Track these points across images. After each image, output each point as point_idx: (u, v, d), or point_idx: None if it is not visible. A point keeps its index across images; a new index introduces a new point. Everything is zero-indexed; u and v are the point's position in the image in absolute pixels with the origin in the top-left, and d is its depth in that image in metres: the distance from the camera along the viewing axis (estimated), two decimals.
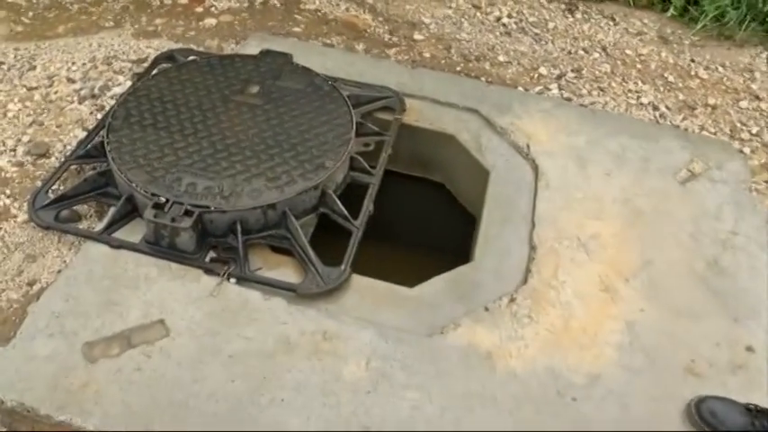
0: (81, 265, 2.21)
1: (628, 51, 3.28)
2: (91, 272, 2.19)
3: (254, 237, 2.31)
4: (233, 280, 2.20)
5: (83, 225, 2.37)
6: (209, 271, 2.21)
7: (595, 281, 2.33)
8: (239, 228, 2.24)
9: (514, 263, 2.38)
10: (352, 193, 2.56)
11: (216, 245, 2.28)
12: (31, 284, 2.20)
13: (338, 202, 2.37)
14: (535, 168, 2.72)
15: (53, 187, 2.46)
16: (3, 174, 2.53)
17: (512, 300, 2.25)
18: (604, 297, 2.29)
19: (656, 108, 3.01)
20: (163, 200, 2.23)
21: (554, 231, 2.48)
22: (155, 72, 2.89)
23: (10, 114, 2.75)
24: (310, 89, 2.73)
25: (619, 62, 3.22)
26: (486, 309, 2.21)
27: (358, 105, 2.81)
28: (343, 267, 2.23)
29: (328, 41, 3.32)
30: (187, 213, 2.20)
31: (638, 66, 3.21)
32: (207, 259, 2.25)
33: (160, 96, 2.62)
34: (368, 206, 2.43)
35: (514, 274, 2.34)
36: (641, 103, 3.02)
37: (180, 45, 3.20)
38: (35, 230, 2.34)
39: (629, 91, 3.08)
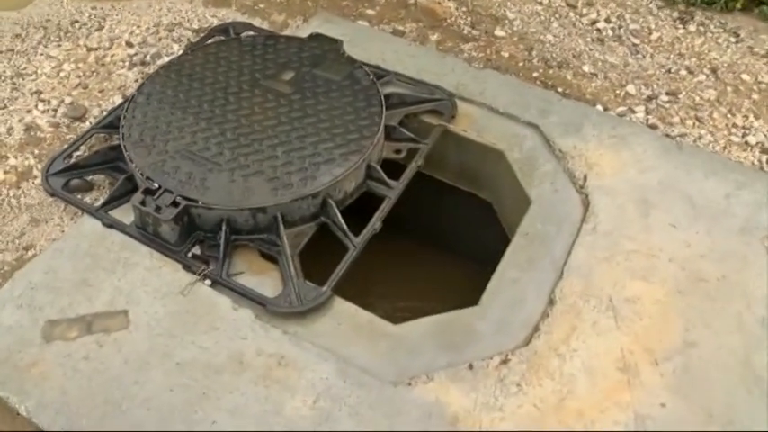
0: (71, 239, 2.23)
1: (745, 77, 2.73)
2: (77, 247, 2.20)
3: (242, 238, 2.19)
4: (208, 281, 2.11)
5: (92, 197, 2.39)
6: (187, 267, 2.14)
7: (615, 355, 1.97)
8: (224, 227, 2.13)
9: (524, 316, 2.07)
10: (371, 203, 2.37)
11: (203, 239, 2.20)
12: (27, 249, 2.25)
13: (338, 214, 2.19)
14: (586, 206, 2.36)
15: (76, 153, 2.51)
16: (39, 133, 2.61)
17: (504, 361, 1.96)
18: (619, 378, 1.93)
19: (765, 151, 2.48)
20: (155, 186, 2.17)
21: (583, 286, 2.13)
22: (199, 46, 2.84)
23: (62, 74, 2.84)
24: (347, 82, 2.54)
25: (729, 88, 2.69)
26: (471, 366, 1.94)
27: (400, 105, 2.59)
28: (324, 288, 2.06)
29: (401, 28, 3.09)
30: (174, 204, 2.12)
31: (755, 96, 2.66)
32: (190, 254, 2.18)
33: (191, 73, 2.56)
34: (374, 223, 2.22)
35: (518, 331, 2.04)
36: (746, 143, 2.51)
37: (245, 17, 3.14)
38: (46, 195, 2.40)
39: (735, 126, 2.57)
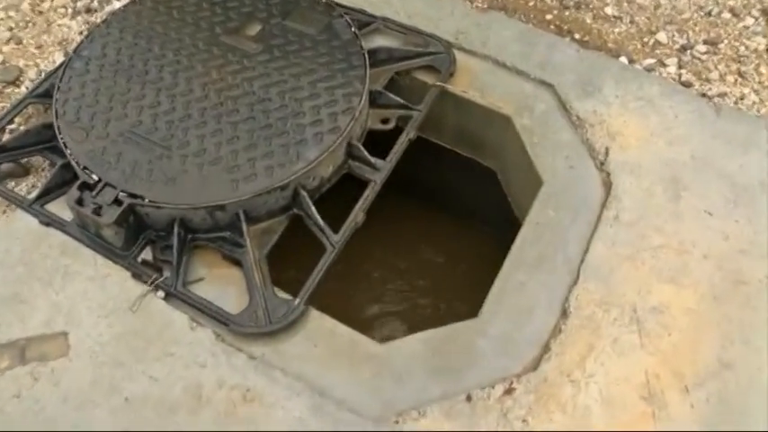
0: (0, 242, 1.85)
1: None
2: (8, 252, 1.82)
3: (201, 237, 1.81)
4: (161, 293, 1.75)
5: (28, 184, 1.98)
6: (137, 275, 1.77)
7: (638, 381, 1.63)
8: (177, 228, 1.74)
9: (532, 332, 1.71)
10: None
11: (155, 239, 1.82)
12: None
13: (312, 207, 1.79)
14: (607, 187, 1.94)
15: (10, 126, 2.08)
16: None
17: (508, 390, 1.62)
18: (643, 410, 1.60)
19: None
20: (94, 178, 1.76)
21: (603, 291, 1.75)
22: None
23: None
24: (324, 36, 2.06)
25: None
26: (469, 398, 1.61)
27: (388, 62, 2.12)
28: (296, 302, 1.70)
29: None
30: (117, 202, 1.73)
31: None
32: (140, 258, 1.80)
33: (137, 28, 2.07)
34: (356, 216, 1.82)
35: (525, 350, 1.69)
36: None
37: None
38: None
39: None
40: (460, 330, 1.73)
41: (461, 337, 1.71)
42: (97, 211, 1.70)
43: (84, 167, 1.78)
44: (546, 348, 1.68)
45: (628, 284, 1.77)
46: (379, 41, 2.17)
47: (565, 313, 1.73)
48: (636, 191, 1.93)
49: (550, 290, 1.77)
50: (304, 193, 1.77)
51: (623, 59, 2.21)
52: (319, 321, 1.73)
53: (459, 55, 2.22)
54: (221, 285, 1.79)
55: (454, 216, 2.83)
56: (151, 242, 1.82)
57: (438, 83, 2.11)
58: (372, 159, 1.88)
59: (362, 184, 1.91)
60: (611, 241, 1.84)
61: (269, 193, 1.74)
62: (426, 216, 2.87)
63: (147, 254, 1.82)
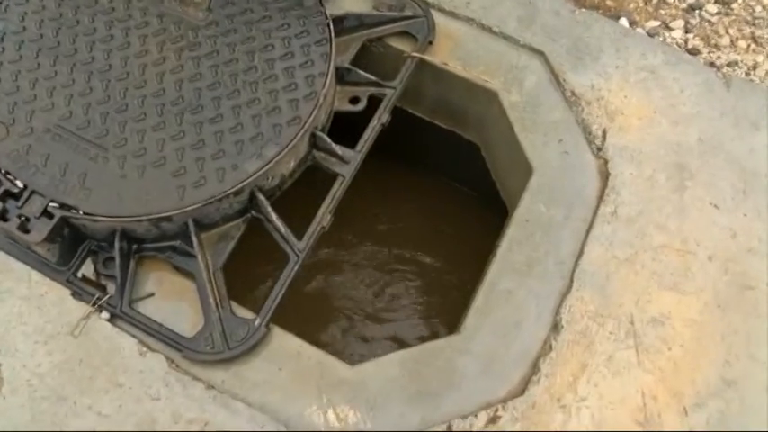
0: None
1: None
2: None
3: (147, 248, 1.58)
4: (106, 313, 1.54)
5: None
6: (77, 294, 1.55)
7: (634, 404, 1.48)
8: (119, 242, 1.51)
9: (519, 349, 1.54)
10: None
11: (96, 250, 1.58)
12: None
13: (271, 212, 1.55)
14: (605, 177, 1.72)
15: None
16: None
17: (493, 418, 1.46)
18: None
19: None
20: (19, 186, 1.51)
21: (599, 301, 1.57)
22: None
23: None
24: (283, 4, 1.74)
25: None
26: (449, 427, 1.45)
27: (358, 28, 1.82)
28: (257, 322, 1.50)
29: None
30: (47, 214, 1.48)
31: None
32: (81, 272, 1.57)
33: None
34: (322, 219, 1.60)
35: (512, 370, 1.51)
36: None
37: None
38: None
39: None
40: (440, 348, 1.55)
41: (441, 356, 1.54)
42: (24, 225, 1.46)
43: (6, 172, 1.51)
44: (535, 368, 1.51)
45: (625, 292, 1.58)
46: (348, 5, 1.86)
47: (556, 327, 1.55)
48: (636, 181, 1.71)
49: (541, 299, 1.59)
50: (262, 198, 1.53)
51: (623, 21, 1.92)
52: (283, 342, 1.54)
53: (439, 18, 1.92)
54: (174, 301, 1.58)
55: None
56: (92, 253, 1.59)
57: (414, 53, 1.82)
58: (339, 150, 1.63)
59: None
60: (608, 242, 1.64)
61: (220, 201, 1.50)
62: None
63: (89, 266, 1.61)
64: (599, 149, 1.76)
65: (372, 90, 1.77)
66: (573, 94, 1.83)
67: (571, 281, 1.60)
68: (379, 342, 2.39)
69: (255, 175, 1.51)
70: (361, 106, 1.75)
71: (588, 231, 1.66)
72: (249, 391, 1.49)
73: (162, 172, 1.52)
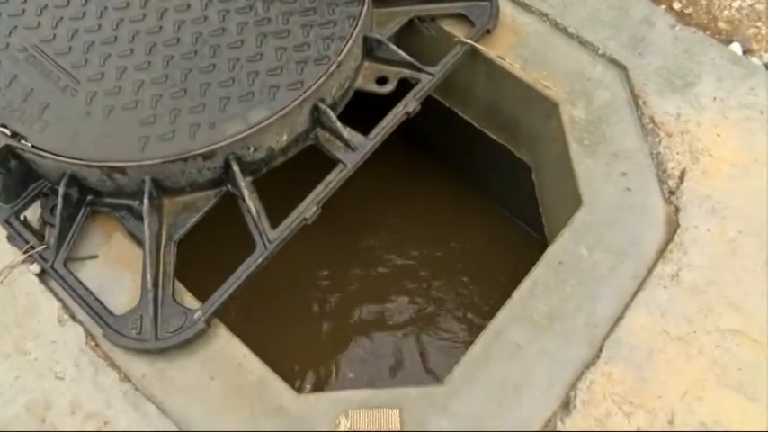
0: None
1: None
2: None
3: (103, 202, 1.32)
4: (36, 266, 1.29)
5: None
6: (12, 238, 1.31)
7: None
8: (67, 187, 1.25)
9: (513, 424, 1.15)
10: None
11: (48, 193, 1.34)
12: None
13: (245, 188, 1.25)
14: (673, 228, 1.32)
15: None
16: None
17: None
18: None
19: None
20: None
21: (631, 383, 1.17)
22: None
23: None
24: None
25: None
26: None
27: (406, 1, 1.52)
28: (197, 315, 1.20)
29: None
30: None
31: None
32: (24, 215, 1.34)
33: None
34: (305, 210, 1.28)
35: None
36: None
37: None
38: None
39: None
40: (413, 399, 1.20)
41: (411, 409, 1.18)
42: None
43: None
44: None
45: (670, 380, 1.17)
46: None
47: (567, 406, 1.16)
48: (713, 241, 1.29)
49: (556, 365, 1.20)
50: (236, 169, 1.24)
51: (735, 47, 1.52)
52: (225, 346, 1.23)
53: (506, 6, 1.58)
54: (117, 270, 1.31)
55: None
56: (44, 195, 1.35)
57: (465, 39, 1.50)
58: (346, 133, 1.32)
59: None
60: (659, 310, 1.24)
61: (185, 161, 1.22)
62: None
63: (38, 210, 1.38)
64: (671, 193, 1.36)
65: (406, 72, 1.45)
66: (652, 121, 1.44)
67: (600, 349, 1.21)
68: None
69: (233, 139, 1.22)
70: (388, 88, 1.43)
71: (636, 292, 1.26)
72: (169, 395, 1.19)
73: (130, 116, 1.26)
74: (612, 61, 1.52)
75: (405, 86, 1.47)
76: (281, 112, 1.25)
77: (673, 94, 1.47)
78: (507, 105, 1.61)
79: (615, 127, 1.44)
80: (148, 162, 1.21)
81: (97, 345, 1.23)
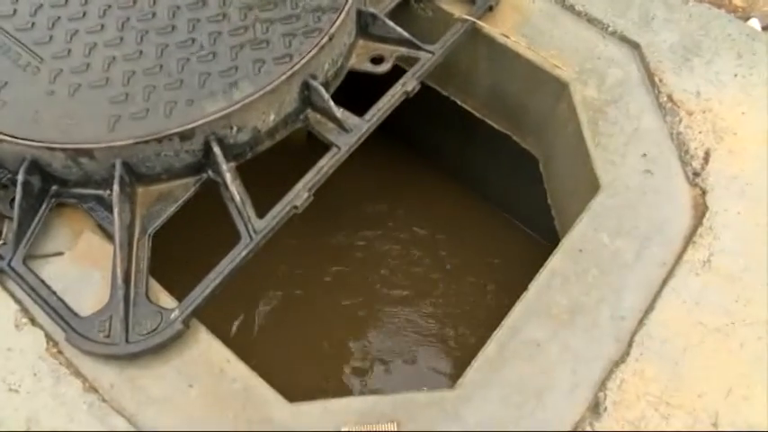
0: None
1: None
2: None
3: (69, 192, 1.18)
4: None
5: None
6: None
7: None
8: (23, 175, 1.11)
9: (534, 427, 1.02)
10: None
11: (6, 183, 1.19)
12: None
13: (228, 172, 1.12)
14: (700, 212, 1.20)
15: None
16: None
17: None
18: None
19: None
20: None
21: (666, 382, 1.03)
22: None
23: None
24: None
25: None
26: None
27: None
28: (173, 315, 1.05)
29: None
30: None
31: None
32: None
33: None
34: (296, 196, 1.15)
35: None
36: None
37: None
38: None
39: None
40: (421, 405, 1.05)
41: (420, 416, 1.04)
42: None
43: None
44: None
45: (711, 378, 1.04)
46: None
47: (597, 408, 1.02)
48: (746, 225, 1.17)
49: (581, 364, 1.06)
50: (218, 151, 1.10)
51: (754, 23, 1.43)
52: (205, 350, 1.08)
53: None
54: (85, 267, 1.16)
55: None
56: (2, 187, 1.20)
57: (466, 16, 1.39)
58: (339, 113, 1.19)
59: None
60: (693, 300, 1.11)
61: (160, 142, 1.08)
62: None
63: None
64: (696, 174, 1.24)
65: (403, 51, 1.33)
66: (670, 99, 1.32)
67: (629, 345, 1.07)
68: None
69: (214, 117, 1.09)
70: (384, 68, 1.31)
71: (666, 281, 1.13)
72: (141, 406, 1.03)
73: (98, 95, 1.13)
74: (624, 39, 1.41)
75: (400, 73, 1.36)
76: (267, 88, 1.11)
77: (691, 71, 1.36)
78: (512, 89, 1.49)
79: (631, 106, 1.32)
80: (119, 143, 1.07)
81: (60, 351, 1.08)
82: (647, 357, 1.06)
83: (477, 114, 1.65)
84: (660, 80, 1.34)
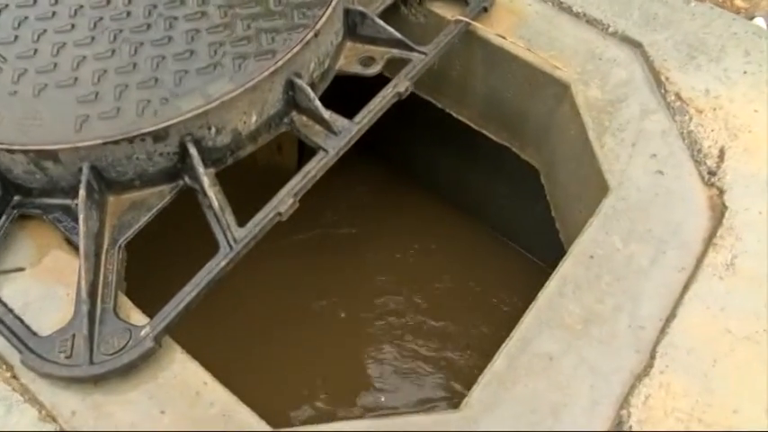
0: None
1: None
2: None
3: (32, 203, 1.07)
4: None
5: None
6: None
7: None
8: None
9: None
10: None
11: None
12: None
13: (206, 177, 1.02)
14: (719, 213, 1.10)
15: None
16: None
17: None
18: None
19: None
20: None
21: (697, 396, 0.92)
22: None
23: None
24: None
25: None
26: None
27: None
28: (143, 332, 0.94)
29: None
30: None
31: None
32: None
33: None
34: (280, 203, 1.05)
35: None
36: None
37: None
38: None
39: None
40: (422, 427, 0.93)
41: None
42: None
43: None
44: None
45: (745, 391, 0.93)
46: None
47: (620, 426, 0.90)
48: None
49: (600, 378, 0.95)
50: (194, 152, 1.01)
51: (760, 22, 1.37)
52: (180, 372, 0.96)
53: None
54: (49, 284, 1.04)
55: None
56: None
57: (462, 17, 1.32)
58: (327, 114, 1.11)
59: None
60: (718, 306, 1.00)
61: (131, 143, 0.98)
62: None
63: None
64: (711, 174, 1.15)
65: (394, 52, 1.25)
66: (678, 97, 1.25)
67: (652, 357, 0.96)
68: None
69: (190, 115, 0.99)
70: (374, 69, 1.23)
71: (687, 286, 1.03)
72: None
73: (66, 94, 1.03)
74: (625, 39, 1.34)
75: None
76: (248, 85, 1.03)
77: (697, 69, 1.28)
78: (510, 95, 1.41)
79: (637, 106, 1.25)
80: (86, 143, 0.97)
81: (14, 376, 0.95)
82: (673, 370, 0.94)
83: (474, 126, 1.58)
84: (666, 78, 1.27)
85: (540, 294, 1.03)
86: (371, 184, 2.14)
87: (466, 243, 2.01)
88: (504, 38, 1.33)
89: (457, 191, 2.00)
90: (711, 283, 1.02)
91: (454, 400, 1.66)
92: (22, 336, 0.95)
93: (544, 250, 1.81)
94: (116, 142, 0.98)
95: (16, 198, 1.08)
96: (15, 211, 1.07)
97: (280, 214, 1.05)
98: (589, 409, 0.92)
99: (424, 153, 1.95)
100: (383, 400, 1.65)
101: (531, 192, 1.57)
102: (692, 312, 1.00)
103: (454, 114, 1.59)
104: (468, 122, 1.57)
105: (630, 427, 0.89)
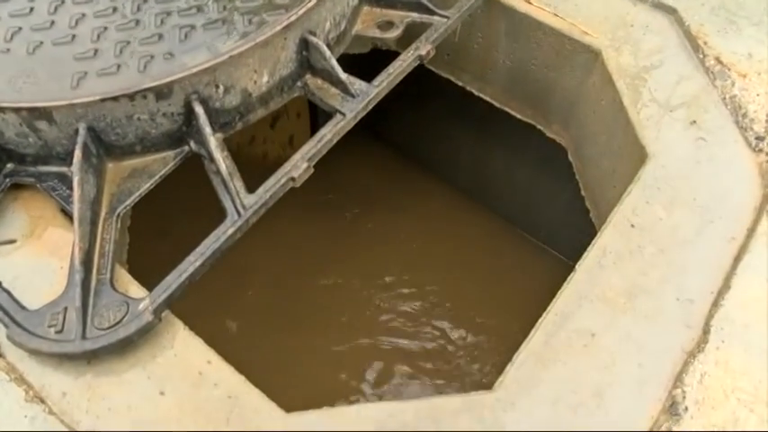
0: None
1: None
2: None
3: (26, 171, 0.98)
4: None
5: None
6: None
7: None
8: None
9: None
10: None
11: None
12: None
13: (213, 139, 0.93)
14: None
15: None
16: None
17: None
18: None
19: None
20: None
21: (759, 375, 0.82)
22: None
23: None
24: None
25: None
26: None
27: None
28: (142, 305, 0.84)
29: None
30: None
31: None
32: None
33: None
34: (294, 167, 0.96)
35: None
36: None
37: None
38: None
39: None
40: (451, 411, 0.83)
41: (450, 425, 0.81)
42: None
43: None
44: None
45: None
46: None
47: (674, 409, 0.80)
48: None
49: (647, 357, 0.84)
50: (200, 111, 0.92)
51: None
52: (182, 350, 0.86)
53: None
54: (42, 256, 0.95)
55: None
56: None
57: None
58: (344, 76, 1.02)
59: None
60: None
61: (132, 100, 0.89)
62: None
63: None
64: (759, 139, 1.05)
65: (414, 16, 1.16)
66: (718, 62, 1.15)
67: (705, 332, 0.86)
68: None
69: (196, 70, 0.90)
70: (394, 33, 1.14)
71: (739, 257, 0.93)
72: (100, 419, 0.81)
73: (62, 51, 0.95)
74: (658, 5, 1.24)
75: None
76: (259, 40, 0.94)
77: (738, 33, 1.19)
78: (536, 66, 1.31)
79: (673, 71, 1.15)
80: (83, 100, 0.88)
81: (0, 354, 0.87)
82: (730, 345, 0.84)
83: (496, 104, 1.48)
84: (705, 43, 1.17)
85: (577, 266, 0.93)
86: (382, 172, 2.05)
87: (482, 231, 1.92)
88: (530, 2, 1.24)
89: (475, 177, 1.91)
90: (767, 253, 0.92)
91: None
92: (9, 309, 0.85)
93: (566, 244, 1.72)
94: (115, 99, 0.89)
95: (9, 166, 0.98)
96: (8, 180, 0.98)
97: (293, 179, 0.95)
98: (636, 389, 0.81)
99: (443, 136, 1.86)
100: (398, 379, 1.55)
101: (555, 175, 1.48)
102: (747, 284, 0.89)
103: (475, 92, 1.49)
104: (490, 100, 1.48)
105: (686, 408, 0.79)
